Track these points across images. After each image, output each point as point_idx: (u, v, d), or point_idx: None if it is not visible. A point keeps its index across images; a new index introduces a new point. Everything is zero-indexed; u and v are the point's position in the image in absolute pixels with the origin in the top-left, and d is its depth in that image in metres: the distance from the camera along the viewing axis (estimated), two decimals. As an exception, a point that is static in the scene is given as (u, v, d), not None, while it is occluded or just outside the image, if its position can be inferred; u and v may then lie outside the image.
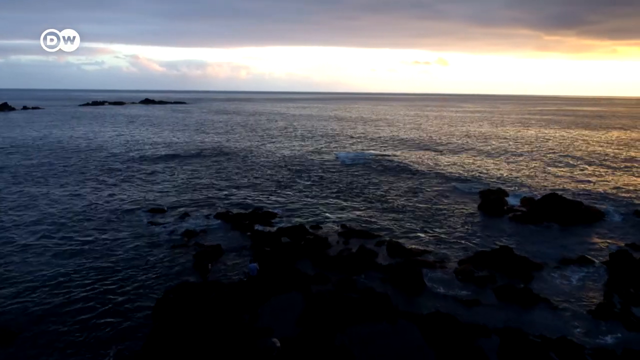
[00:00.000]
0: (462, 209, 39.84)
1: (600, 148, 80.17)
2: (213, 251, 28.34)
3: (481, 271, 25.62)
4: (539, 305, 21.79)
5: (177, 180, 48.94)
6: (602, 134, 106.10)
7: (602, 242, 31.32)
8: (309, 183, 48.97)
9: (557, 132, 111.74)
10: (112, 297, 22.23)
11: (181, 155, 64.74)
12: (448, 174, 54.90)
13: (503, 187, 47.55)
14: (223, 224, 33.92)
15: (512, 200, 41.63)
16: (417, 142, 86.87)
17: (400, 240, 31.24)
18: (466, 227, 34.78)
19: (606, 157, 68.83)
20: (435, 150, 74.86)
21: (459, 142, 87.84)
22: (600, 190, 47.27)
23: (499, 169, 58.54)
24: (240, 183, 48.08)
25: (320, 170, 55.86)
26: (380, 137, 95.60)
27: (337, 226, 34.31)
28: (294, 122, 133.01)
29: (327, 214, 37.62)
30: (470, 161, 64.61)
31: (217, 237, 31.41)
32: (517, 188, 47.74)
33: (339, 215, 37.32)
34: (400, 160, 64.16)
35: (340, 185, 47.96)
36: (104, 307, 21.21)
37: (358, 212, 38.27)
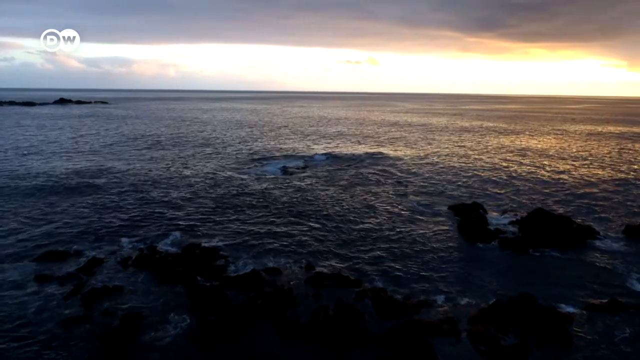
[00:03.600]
0: (440, 231, 33.84)
1: (551, 152, 79.23)
2: (131, 326, 19.63)
3: (505, 335, 19.27)
4: (605, 394, 15.70)
5: (84, 210, 37.84)
6: (544, 136, 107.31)
7: (616, 273, 26.49)
8: (252, 203, 40.61)
9: (501, 135, 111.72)
10: None
11: (91, 175, 51.82)
12: (407, 185, 49.18)
13: (473, 199, 42.46)
14: (147, 275, 24.98)
15: (492, 219, 36.33)
16: (362, 146, 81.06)
17: (383, 284, 24.52)
18: (454, 259, 28.66)
19: (561, 161, 67.11)
20: (385, 157, 69.09)
21: (408, 146, 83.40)
22: (573, 197, 43.73)
23: (458, 177, 53.84)
24: (168, 210, 38.54)
25: (262, 186, 47.51)
26: (321, 142, 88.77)
27: (300, 267, 26.76)
28: (228, 126, 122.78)
29: (282, 247, 29.87)
30: (427, 168, 59.57)
31: (137, 297, 22.58)
32: (489, 200, 42.79)
33: (297, 248, 29.76)
34: (349, 170, 57.62)
35: (290, 205, 40.14)
36: None
37: (319, 242, 30.93)
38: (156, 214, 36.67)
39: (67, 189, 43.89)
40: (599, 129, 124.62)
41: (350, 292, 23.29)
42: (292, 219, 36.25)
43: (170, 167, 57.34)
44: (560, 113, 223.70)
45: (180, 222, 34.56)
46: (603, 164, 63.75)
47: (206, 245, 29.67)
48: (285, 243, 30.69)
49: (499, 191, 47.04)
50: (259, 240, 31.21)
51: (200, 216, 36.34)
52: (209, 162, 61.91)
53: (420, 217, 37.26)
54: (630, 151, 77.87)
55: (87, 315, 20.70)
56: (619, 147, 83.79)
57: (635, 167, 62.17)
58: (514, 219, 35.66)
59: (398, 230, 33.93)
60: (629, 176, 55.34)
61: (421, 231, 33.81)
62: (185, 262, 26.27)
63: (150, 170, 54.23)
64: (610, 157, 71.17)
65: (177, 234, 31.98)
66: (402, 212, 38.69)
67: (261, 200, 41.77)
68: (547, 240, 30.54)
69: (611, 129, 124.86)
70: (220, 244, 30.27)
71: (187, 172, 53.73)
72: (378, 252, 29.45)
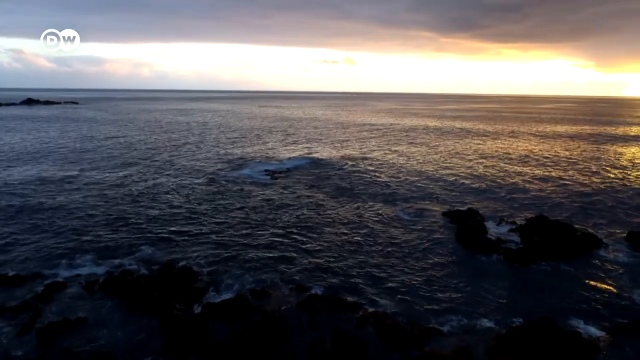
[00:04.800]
0: (437, 241, 31.66)
1: (537, 153, 78.48)
2: (96, 371, 16.61)
3: (530, 369, 17.06)
4: None
5: (44, 224, 34.04)
6: (526, 137, 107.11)
7: (630, 288, 24.73)
8: (231, 213, 37.58)
9: (484, 136, 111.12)
10: None
11: (53, 184, 48.27)
12: (395, 190, 46.94)
13: (466, 204, 40.56)
14: (116, 303, 21.86)
15: (491, 227, 34.35)
16: (343, 149, 78.71)
17: (384, 307, 22.11)
18: (457, 274, 26.44)
19: (549, 164, 66.19)
20: (369, 160, 66.88)
21: (390, 149, 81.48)
22: (567, 201, 42.32)
23: (446, 181, 51.96)
24: (140, 223, 35.18)
25: (241, 193, 44.43)
26: (302, 144, 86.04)
27: (290, 288, 24.07)
28: (204, 128, 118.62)
29: (267, 264, 27.12)
30: (413, 172, 57.58)
31: (105, 333, 19.47)
32: (481, 206, 40.91)
33: (284, 265, 27.05)
34: (333, 174, 55.01)
35: (273, 215, 37.27)
36: None
37: (307, 257, 28.28)
38: (127, 228, 33.32)
39: (25, 201, 39.86)
40: (578, 129, 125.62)
41: (349, 318, 20.73)
42: (276, 231, 33.46)
43: (142, 173, 53.68)
44: (536, 112, 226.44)
45: (154, 237, 31.33)
46: (590, 166, 63.05)
47: (183, 264, 26.65)
48: (270, 259, 27.92)
49: (490, 196, 45.27)
50: (242, 255, 28.34)
51: (176, 229, 33.17)
52: (183, 167, 58.43)
53: (414, 226, 35.04)
54: (611, 152, 77.86)
55: (44, 357, 17.54)
56: (598, 148, 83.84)
57: (622, 169, 61.65)
58: (514, 227, 33.81)
59: (392, 241, 31.58)
60: (619, 178, 54.57)
61: (417, 242, 31.56)
62: (161, 286, 23.22)
63: (120, 178, 50.49)
64: (592, 158, 70.76)
65: (150, 251, 28.80)
66: (394, 221, 36.41)
67: (241, 209, 38.81)
68: (553, 250, 28.69)
69: (589, 129, 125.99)
70: (199, 261, 27.32)
71: (160, 179, 50.23)
72: (374, 268, 27.01)
